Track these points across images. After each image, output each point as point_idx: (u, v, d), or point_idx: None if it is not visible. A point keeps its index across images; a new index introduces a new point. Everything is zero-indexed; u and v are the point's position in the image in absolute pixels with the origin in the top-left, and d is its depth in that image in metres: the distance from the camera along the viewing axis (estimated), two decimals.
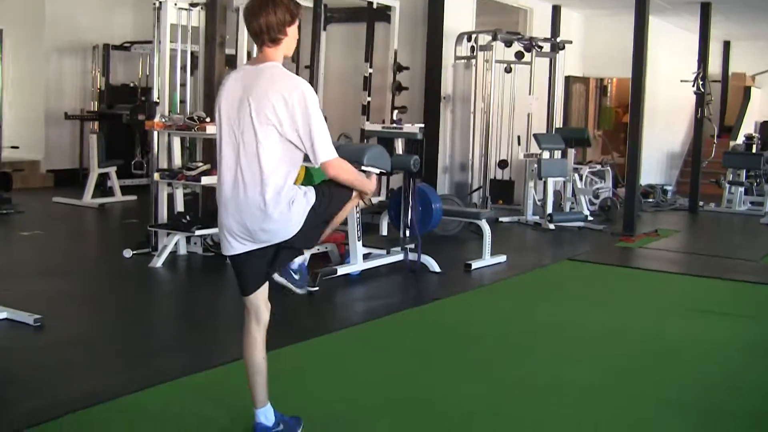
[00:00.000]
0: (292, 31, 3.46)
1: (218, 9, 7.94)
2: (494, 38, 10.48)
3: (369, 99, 11.03)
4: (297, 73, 10.14)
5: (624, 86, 14.98)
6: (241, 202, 3.41)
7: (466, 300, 6.64)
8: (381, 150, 6.57)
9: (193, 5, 8.00)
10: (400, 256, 7.49)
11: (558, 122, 13.76)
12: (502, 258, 8.06)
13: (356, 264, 6.99)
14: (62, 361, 4.79)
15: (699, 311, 6.41)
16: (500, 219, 10.79)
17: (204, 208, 8.04)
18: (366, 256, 7.31)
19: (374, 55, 11.36)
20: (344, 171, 3.52)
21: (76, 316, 5.81)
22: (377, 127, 7.48)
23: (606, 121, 15.55)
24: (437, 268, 7.44)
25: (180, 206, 7.91)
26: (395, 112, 7.86)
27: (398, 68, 11.17)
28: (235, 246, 3.50)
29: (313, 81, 9.79)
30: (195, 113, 7.68)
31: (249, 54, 8.18)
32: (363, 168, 6.58)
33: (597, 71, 15.08)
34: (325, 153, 3.38)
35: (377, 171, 6.67)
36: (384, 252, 7.50)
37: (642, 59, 10.12)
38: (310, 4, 11.20)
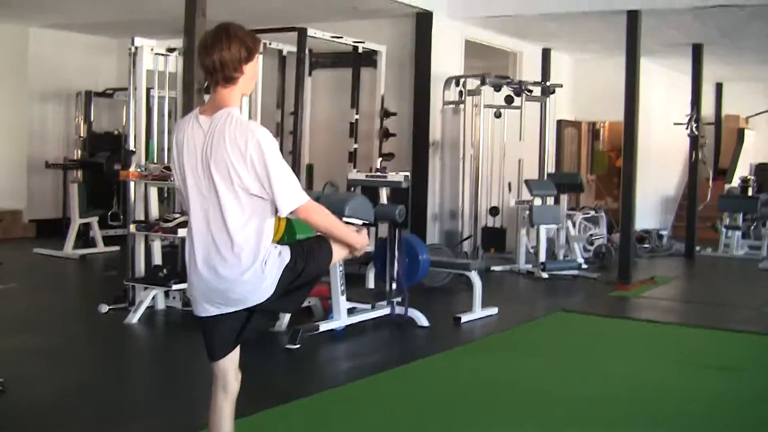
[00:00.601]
0: (250, 68, 3.20)
1: (195, 54, 7.68)
2: (483, 82, 10.27)
3: (356, 146, 10.79)
4: (282, 120, 10.03)
5: (616, 130, 14.79)
6: (212, 262, 3.16)
7: (454, 357, 6.32)
8: (363, 200, 6.30)
9: (170, 50, 7.77)
10: (386, 310, 7.19)
11: (551, 167, 13.57)
12: (493, 310, 7.76)
13: (339, 320, 6.68)
14: (20, 429, 4.48)
15: (697, 365, 6.11)
16: (492, 268, 10.51)
17: (183, 261, 7.72)
18: (351, 311, 7.01)
19: (361, 101, 11.16)
20: (315, 213, 3.23)
21: (40, 378, 5.46)
22: (361, 176, 7.22)
23: (599, 165, 15.34)
24: (425, 322, 7.14)
25: (158, 259, 7.61)
26: (379, 160, 7.58)
27: (385, 114, 10.94)
28: (206, 307, 3.25)
29: (297, 128, 9.55)
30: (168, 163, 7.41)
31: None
32: (344, 220, 6.36)
33: (588, 115, 14.90)
34: (291, 200, 3.12)
35: (360, 222, 6.46)
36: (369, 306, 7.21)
37: (634, 102, 9.91)
38: (294, 49, 11.06)
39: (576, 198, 13.96)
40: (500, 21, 11.18)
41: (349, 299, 6.80)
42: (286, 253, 3.25)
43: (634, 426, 4.79)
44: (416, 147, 10.99)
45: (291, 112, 11.61)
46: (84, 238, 11.37)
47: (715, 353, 6.58)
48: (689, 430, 4.76)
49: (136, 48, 7.67)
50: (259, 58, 3.26)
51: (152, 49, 7.71)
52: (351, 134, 10.82)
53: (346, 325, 6.83)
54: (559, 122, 14.13)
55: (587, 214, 11.69)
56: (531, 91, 10.79)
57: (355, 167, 10.75)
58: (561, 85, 11.46)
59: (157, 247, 7.62)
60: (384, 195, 7.22)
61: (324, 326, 6.62)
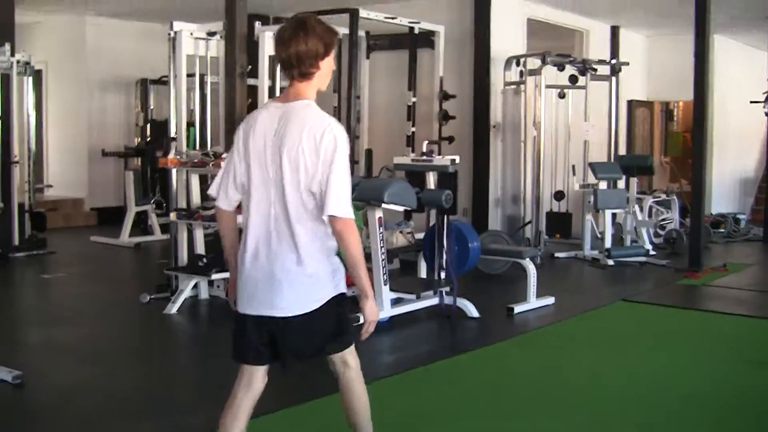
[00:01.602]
0: (326, 64, 3.11)
1: (237, 38, 7.41)
2: (543, 61, 9.80)
3: (413, 129, 10.43)
4: (339, 105, 9.72)
5: (691, 110, 14.08)
6: (266, 253, 3.05)
7: (500, 351, 5.95)
8: (404, 185, 5.98)
9: (210, 34, 7.53)
10: (435, 300, 6.84)
11: (622, 150, 13.02)
12: (550, 300, 7.35)
13: (382, 310, 6.34)
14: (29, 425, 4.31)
15: (761, 363, 5.60)
16: (556, 254, 10.07)
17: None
18: (398, 301, 6.69)
19: (419, 83, 10.79)
20: (354, 233, 3.05)
21: (60, 372, 5.29)
22: (407, 160, 6.85)
23: (673, 147, 14.65)
24: (475, 313, 6.77)
25: (200, 247, 7.40)
26: (425, 143, 7.21)
27: (444, 96, 10.56)
28: (248, 303, 3.10)
29: (350, 113, 9.24)
30: (212, 149, 7.18)
31: (272, 88, 7.63)
32: (384, 205, 6.04)
33: (662, 95, 14.22)
34: (340, 206, 2.98)
35: (401, 208, 6.15)
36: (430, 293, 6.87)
37: (704, 80, 9.31)
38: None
39: (649, 181, 13.40)
40: None
41: (393, 289, 6.48)
42: (342, 282, 3.15)
43: (684, 420, 4.38)
44: (477, 130, 10.60)
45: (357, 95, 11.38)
46: (142, 225, 11.28)
47: None
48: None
49: (176, 33, 7.44)
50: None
51: (192, 34, 7.47)
52: (408, 117, 10.47)
53: (391, 317, 6.51)
54: (630, 102, 13.55)
55: (658, 197, 11.12)
56: (595, 70, 10.28)
57: (413, 151, 10.41)
58: (627, 63, 10.92)
59: (199, 235, 7.40)
60: (431, 180, 6.86)
61: None
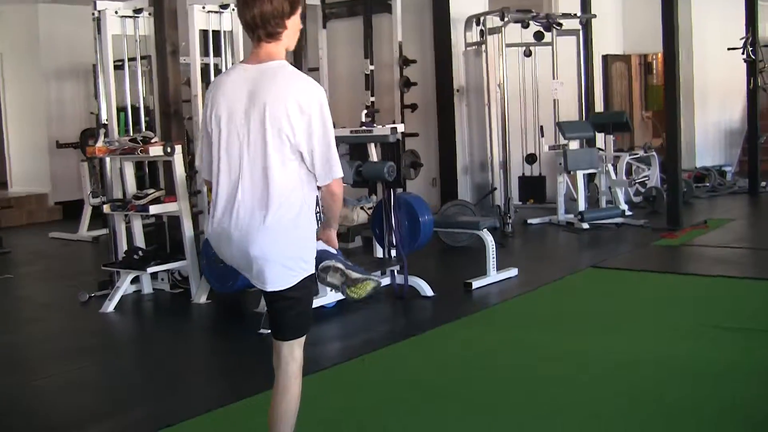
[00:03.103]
0: (293, 22, 2.98)
1: (166, 13, 6.96)
2: (502, 18, 9.30)
3: (372, 99, 10.00)
4: None
5: None
6: (242, 223, 2.93)
7: (451, 332, 5.50)
8: None
9: (137, 11, 7.05)
10: (387, 281, 6.43)
11: (599, 107, 12.55)
12: (512, 272, 6.93)
13: (325, 295, 5.92)
14: None
15: (743, 330, 5.12)
16: (529, 221, 9.64)
17: (171, 241, 7.07)
18: None
19: (380, 51, 10.36)
20: (342, 194, 3.11)
21: None
22: (345, 132, 6.39)
23: (654, 101, 14.08)
24: (429, 292, 6.35)
25: (140, 239, 6.98)
26: (363, 112, 6.75)
27: (404, 62, 10.13)
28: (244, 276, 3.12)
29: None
30: (141, 134, 6.74)
31: (206, 66, 7.16)
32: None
33: (639, 47, 13.64)
34: (338, 169, 2.97)
35: None
36: (378, 274, 6.44)
37: (672, 29, 8.82)
38: (308, 1, 10.30)
39: (630, 138, 12.92)
40: None
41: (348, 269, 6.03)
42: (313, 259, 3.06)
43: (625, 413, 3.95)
44: (440, 95, 10.17)
45: (309, 68, 10.91)
46: (102, 218, 10.86)
47: (758, 311, 5.65)
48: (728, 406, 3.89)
49: (99, 12, 6.97)
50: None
51: (116, 12, 7.00)
52: (367, 87, 10.03)
53: (338, 301, 6.09)
54: (605, 57, 13.02)
55: (635, 155, 10.64)
56: (560, 25, 9.77)
57: (373, 122, 9.96)
58: (594, 15, 10.41)
59: (137, 226, 6.98)
60: (372, 151, 6.41)
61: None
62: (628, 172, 10.90)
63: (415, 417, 3.99)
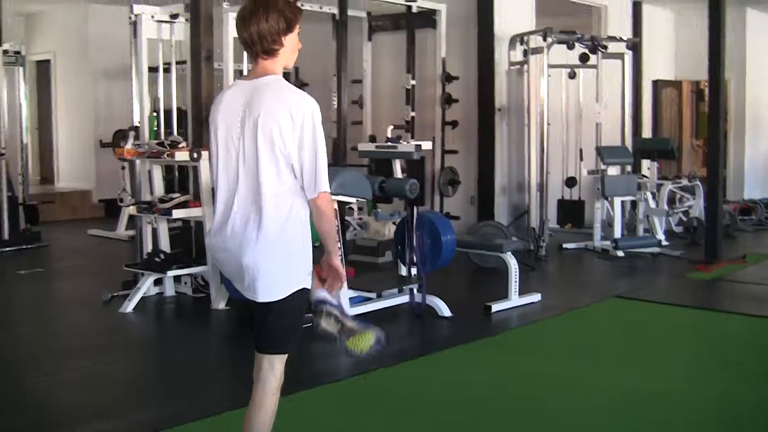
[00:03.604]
0: (290, 40, 3.06)
1: (202, 20, 7.01)
2: (544, 38, 9.18)
3: (413, 114, 9.95)
4: (340, 89, 9.21)
5: (726, 90, 13.31)
6: (236, 234, 2.99)
7: (459, 356, 5.42)
8: (355, 175, 5.51)
9: (173, 17, 7.11)
10: (405, 298, 6.37)
11: (648, 133, 12.37)
12: (535, 297, 6.81)
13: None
14: None
15: (764, 374, 4.95)
16: (565, 245, 9.49)
17: (196, 245, 7.10)
18: (368, 299, 6.24)
19: (423, 66, 10.30)
20: (332, 211, 3.09)
21: None
22: (371, 147, 6.35)
23: (704, 129, 13.74)
24: (447, 312, 6.27)
25: (165, 242, 7.01)
26: (390, 128, 6.69)
27: (447, 78, 10.06)
28: (237, 287, 3.15)
29: (339, 100, 8.75)
30: (169, 138, 6.79)
31: (240, 72, 7.22)
32: (336, 198, 5.57)
33: (691, 74, 13.42)
34: (321, 183, 2.98)
35: (354, 200, 5.68)
36: (395, 291, 6.42)
37: (719, 57, 8.62)
38: (355, 13, 10.29)
39: (678, 166, 12.70)
40: None
41: (351, 287, 6.01)
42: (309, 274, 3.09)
43: None
44: (481, 114, 10.06)
45: (353, 80, 10.91)
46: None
47: None
48: None
49: (136, 16, 7.04)
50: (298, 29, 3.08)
51: (153, 16, 7.07)
52: (407, 101, 9.98)
53: (354, 315, 6.03)
54: (656, 82, 12.83)
55: (678, 183, 10.42)
56: (606, 48, 9.62)
57: (413, 137, 9.93)
58: (638, 40, 10.25)
59: (163, 229, 7.01)
60: (398, 168, 6.36)
61: None
62: (672, 201, 10.69)
63: None
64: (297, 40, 3.08)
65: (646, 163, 10.66)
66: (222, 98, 3.12)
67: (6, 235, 9.43)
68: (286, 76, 3.16)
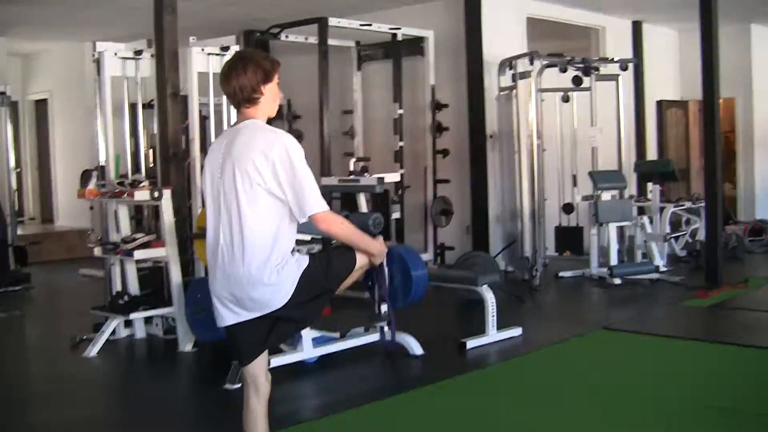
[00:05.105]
0: (269, 90, 3.33)
1: (167, 55, 6.83)
2: (531, 62, 8.92)
3: (401, 144, 9.74)
4: (322, 120, 9.02)
5: (733, 107, 12.99)
6: (227, 269, 3.27)
7: (424, 397, 5.14)
8: None
9: (137, 53, 6.95)
10: (375, 337, 6.11)
11: (653, 155, 12.07)
12: (516, 331, 6.52)
13: (302, 350, 5.63)
14: None
15: (755, 415, 4.59)
16: (561, 274, 9.19)
17: (168, 285, 6.89)
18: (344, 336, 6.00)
19: (414, 94, 10.11)
20: (336, 225, 3.39)
21: None
22: (334, 181, 6.12)
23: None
24: (418, 351, 6.00)
25: (133, 283, 6.80)
26: (352, 161, 6.45)
27: (437, 106, 9.86)
28: (225, 316, 3.34)
29: (322, 132, 8.58)
30: (131, 177, 6.61)
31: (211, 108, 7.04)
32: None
33: (698, 93, 13.02)
34: (310, 206, 3.22)
35: (308, 237, 5.48)
36: (360, 330, 6.16)
37: (712, 75, 8.36)
38: (343, 43, 10.16)
39: (686, 188, 12.37)
40: None
41: (313, 327, 5.76)
42: (303, 260, 3.35)
43: None
44: (473, 141, 9.82)
45: (344, 110, 10.75)
46: None
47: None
48: None
49: (99, 54, 6.90)
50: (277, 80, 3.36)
51: (116, 53, 6.92)
52: (395, 131, 9.76)
53: (319, 356, 5.81)
54: (660, 103, 12.52)
55: (681, 206, 10.08)
56: (598, 70, 9.35)
57: (401, 167, 9.71)
58: (633, 60, 9.93)
59: (131, 270, 6.80)
60: (362, 201, 6.12)
61: (289, 358, 5.61)
62: (678, 224, 10.36)
63: None
64: (276, 90, 3.35)
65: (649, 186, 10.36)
66: (211, 148, 3.43)
67: None
68: (280, 107, 3.48)
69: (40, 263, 10.82)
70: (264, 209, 3.21)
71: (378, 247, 3.64)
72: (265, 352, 3.44)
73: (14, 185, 10.56)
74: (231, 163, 3.23)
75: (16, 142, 13.23)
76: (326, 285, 3.46)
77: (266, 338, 3.38)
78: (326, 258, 3.50)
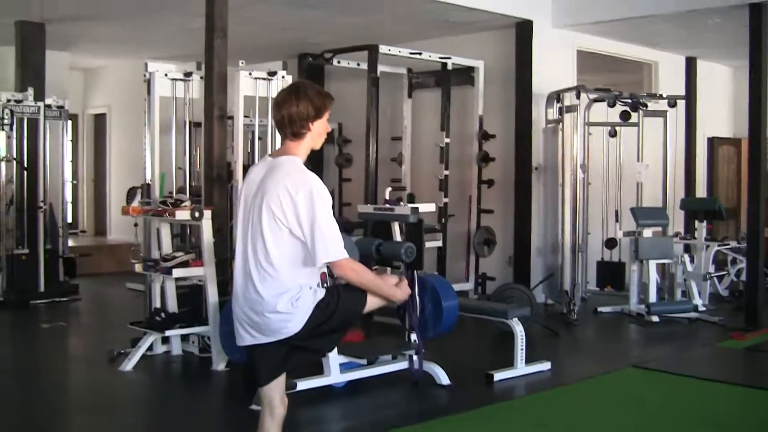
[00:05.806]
0: (318, 125, 3.47)
1: (215, 78, 7.03)
2: (578, 96, 8.94)
3: (446, 173, 9.81)
4: (368, 146, 9.14)
5: None
6: (248, 293, 3.42)
7: (445, 427, 5.20)
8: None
9: (187, 75, 7.15)
10: (404, 364, 6.18)
11: (702, 192, 11.97)
12: (545, 365, 6.53)
13: (329, 375, 5.72)
14: None
15: None
16: (600, 309, 9.16)
17: (205, 304, 7.04)
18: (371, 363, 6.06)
19: (463, 124, 10.19)
20: (353, 272, 3.48)
21: None
22: (369, 209, 6.23)
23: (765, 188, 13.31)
24: (445, 380, 6.04)
25: (172, 300, 6.96)
26: (388, 189, 6.54)
27: (484, 136, 9.92)
28: (244, 337, 3.48)
29: (368, 159, 8.70)
30: (175, 196, 6.79)
31: (251, 130, 7.21)
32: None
33: None
34: (327, 253, 3.33)
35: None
36: (389, 358, 6.24)
37: (759, 111, 8.31)
38: (395, 70, 10.27)
39: (737, 227, 12.23)
40: (612, 26, 9.82)
41: (342, 352, 5.84)
42: (320, 292, 3.46)
43: None
44: (518, 172, 9.86)
45: (393, 137, 10.85)
46: None
47: None
48: None
49: (150, 74, 7.11)
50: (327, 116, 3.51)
51: (166, 74, 7.13)
52: (441, 160, 9.84)
53: (347, 381, 5.89)
54: (711, 140, 12.42)
55: (726, 245, 9.99)
56: (646, 106, 9.32)
57: (446, 196, 9.79)
58: (682, 97, 9.89)
59: (170, 288, 6.97)
60: (396, 230, 6.21)
61: (317, 382, 5.70)
62: (723, 264, 10.26)
63: None
64: (325, 125, 3.50)
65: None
66: (249, 173, 3.56)
67: (42, 287, 9.57)
68: (330, 133, 3.69)
69: (90, 275, 11.07)
70: (285, 245, 3.35)
71: (397, 295, 3.70)
72: (282, 377, 3.55)
73: (69, 197, 10.82)
74: (261, 195, 3.37)
75: (74, 155, 13.66)
76: (338, 320, 3.55)
77: (282, 363, 3.50)
78: (341, 294, 3.55)
